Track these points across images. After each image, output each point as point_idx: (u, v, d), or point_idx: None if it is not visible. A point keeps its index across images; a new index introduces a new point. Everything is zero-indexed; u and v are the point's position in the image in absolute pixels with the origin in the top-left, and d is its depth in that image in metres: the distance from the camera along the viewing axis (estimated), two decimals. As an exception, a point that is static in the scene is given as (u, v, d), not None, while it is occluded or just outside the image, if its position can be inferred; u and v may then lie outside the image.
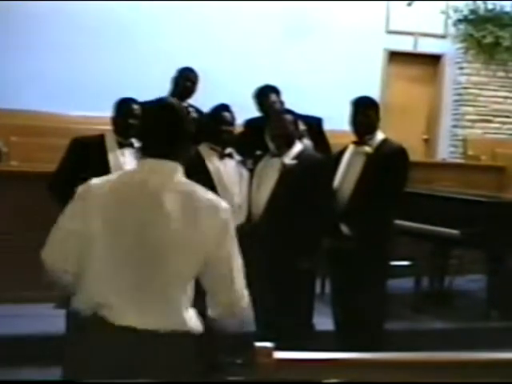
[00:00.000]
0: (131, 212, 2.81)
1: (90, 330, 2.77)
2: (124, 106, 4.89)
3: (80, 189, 2.88)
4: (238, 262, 2.90)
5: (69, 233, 2.83)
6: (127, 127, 4.82)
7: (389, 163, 5.21)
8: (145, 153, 2.96)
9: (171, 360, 2.79)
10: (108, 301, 2.76)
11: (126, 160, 4.83)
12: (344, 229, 5.18)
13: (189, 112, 5.64)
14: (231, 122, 5.12)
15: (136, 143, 4.89)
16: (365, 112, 5.31)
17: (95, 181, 2.87)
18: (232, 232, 2.88)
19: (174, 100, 3.24)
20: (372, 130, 5.34)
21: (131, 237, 2.78)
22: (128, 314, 2.75)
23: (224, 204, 2.90)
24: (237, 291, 2.89)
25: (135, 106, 4.87)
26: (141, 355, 2.75)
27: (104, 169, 4.75)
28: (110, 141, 4.88)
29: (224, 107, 5.14)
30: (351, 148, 5.41)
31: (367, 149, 5.28)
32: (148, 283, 2.78)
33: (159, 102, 3.10)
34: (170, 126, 2.91)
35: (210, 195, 2.90)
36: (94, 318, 2.77)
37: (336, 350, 2.48)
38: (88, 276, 2.81)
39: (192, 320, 2.85)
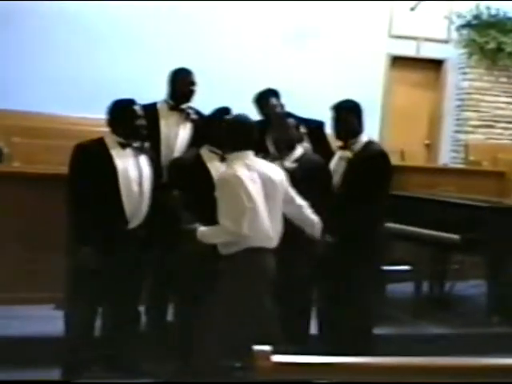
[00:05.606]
0: None
1: None
2: (127, 108, 4.96)
3: None
4: None
5: None
6: (133, 129, 4.92)
7: (367, 166, 5.12)
8: None
9: None
10: None
11: (129, 161, 4.87)
12: (327, 236, 5.01)
13: (188, 114, 5.63)
14: None
15: (135, 143, 4.92)
16: (345, 117, 5.26)
17: None
18: None
19: None
20: (354, 134, 5.28)
21: None
22: None
23: None
24: None
25: (138, 107, 4.99)
26: None
27: (112, 171, 4.77)
28: (112, 143, 4.90)
29: (226, 111, 5.09)
30: (337, 153, 5.38)
31: (347, 153, 5.23)
32: None
33: None
34: None
35: None
36: None
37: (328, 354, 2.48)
38: None
39: None
